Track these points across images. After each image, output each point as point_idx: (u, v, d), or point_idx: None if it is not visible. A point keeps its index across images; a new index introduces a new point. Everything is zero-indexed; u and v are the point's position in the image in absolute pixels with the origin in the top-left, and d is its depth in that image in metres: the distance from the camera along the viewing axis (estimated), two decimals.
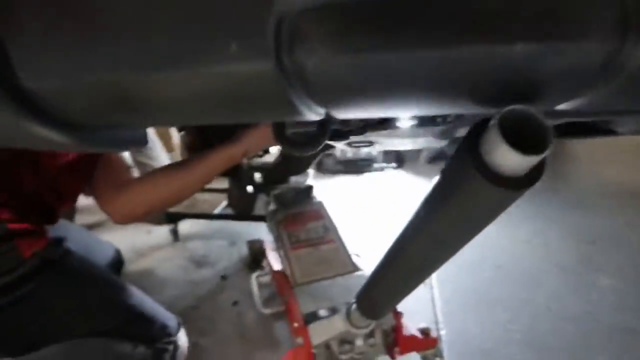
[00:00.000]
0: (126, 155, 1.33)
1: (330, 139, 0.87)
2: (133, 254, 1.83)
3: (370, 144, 0.89)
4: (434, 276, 1.48)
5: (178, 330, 1.17)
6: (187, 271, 1.68)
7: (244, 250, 1.75)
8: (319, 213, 1.41)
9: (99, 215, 2.16)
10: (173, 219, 1.84)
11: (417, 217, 0.53)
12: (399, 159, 2.36)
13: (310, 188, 1.50)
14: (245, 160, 1.56)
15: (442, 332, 1.23)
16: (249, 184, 1.47)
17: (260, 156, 1.52)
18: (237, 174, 1.43)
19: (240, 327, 1.37)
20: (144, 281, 1.64)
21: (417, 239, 0.56)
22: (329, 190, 2.16)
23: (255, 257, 1.65)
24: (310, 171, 1.49)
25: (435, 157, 2.33)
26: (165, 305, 1.35)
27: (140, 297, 1.16)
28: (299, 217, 1.42)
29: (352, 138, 0.83)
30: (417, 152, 2.38)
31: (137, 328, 1.09)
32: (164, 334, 1.13)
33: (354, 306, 0.92)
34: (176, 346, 1.14)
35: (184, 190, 1.23)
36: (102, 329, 1.05)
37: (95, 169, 1.25)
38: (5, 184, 1.05)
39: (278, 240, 1.35)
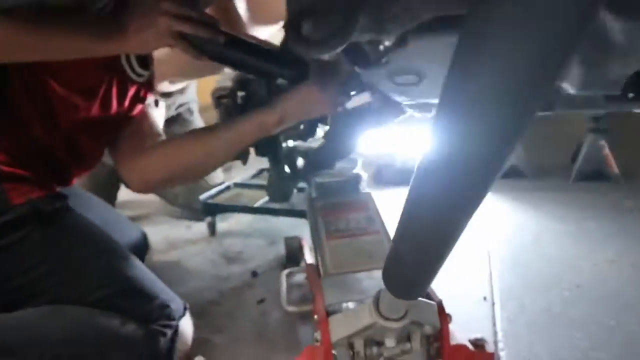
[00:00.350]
0: (158, 123, 1.22)
1: (360, 65, 0.69)
2: (165, 245, 1.71)
3: (418, 79, 0.69)
4: (496, 292, 1.22)
5: (182, 314, 1.00)
6: (216, 266, 1.52)
7: (282, 249, 1.58)
8: (365, 204, 1.22)
9: (139, 210, 2.08)
10: (211, 211, 1.71)
11: None
12: None
13: (357, 177, 1.31)
14: (288, 143, 1.40)
15: (502, 353, 0.97)
16: (290, 167, 1.30)
17: (304, 140, 1.35)
18: (277, 154, 1.27)
19: (261, 327, 1.18)
20: (170, 271, 1.50)
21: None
22: (386, 203, 1.94)
23: (292, 254, 1.47)
24: (364, 174, 1.31)
25: (506, 174, 2.06)
26: (184, 297, 1.21)
27: (142, 271, 1.01)
28: (340, 207, 1.23)
29: (391, 61, 0.64)
30: None
31: (131, 302, 0.93)
32: (163, 315, 0.96)
33: (382, 291, 0.70)
34: (176, 332, 0.97)
35: (209, 159, 1.08)
36: (89, 298, 0.90)
37: (119, 132, 1.14)
38: (9, 128, 0.96)
39: (314, 229, 1.16)
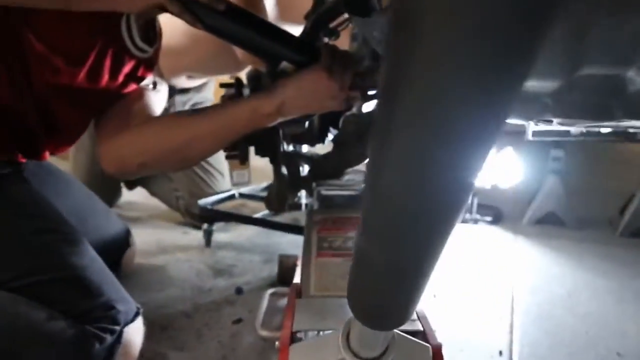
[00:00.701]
0: (153, 108, 1.09)
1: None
2: (155, 248, 1.57)
3: None
4: (516, 346, 1.00)
5: (131, 320, 0.84)
6: (201, 276, 1.36)
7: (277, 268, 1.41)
8: None
9: (140, 212, 1.97)
10: (208, 218, 1.56)
11: None
12: (497, 213, 1.89)
13: None
14: (293, 147, 1.25)
15: None
16: (291, 173, 1.15)
17: (312, 144, 1.20)
18: (276, 157, 1.12)
19: (228, 350, 1.00)
20: (149, 275, 1.35)
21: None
22: None
23: (285, 273, 1.30)
24: None
25: (542, 219, 1.83)
26: (156, 305, 1.05)
27: (93, 262, 0.85)
28: (341, 223, 1.06)
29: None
30: (520, 209, 1.90)
31: (66, 294, 0.78)
32: (105, 317, 0.80)
33: (352, 318, 0.53)
34: (119, 339, 0.81)
35: (193, 144, 0.93)
36: (16, 282, 0.75)
37: (105, 108, 1.02)
38: None
39: (305, 244, 1.00)
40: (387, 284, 0.40)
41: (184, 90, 1.78)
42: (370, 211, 0.35)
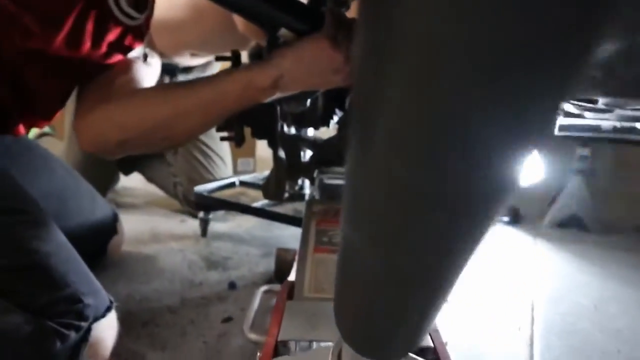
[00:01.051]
0: (142, 82, 0.99)
1: None
2: (148, 236, 1.47)
3: None
4: None
5: (101, 315, 0.74)
6: (193, 268, 1.26)
7: None
8: None
9: (137, 198, 1.88)
10: (204, 206, 1.46)
11: None
12: (515, 213, 1.76)
13: None
14: (292, 130, 1.14)
15: None
16: (290, 158, 1.04)
17: (317, 127, 1.09)
18: (274, 139, 1.02)
19: (212, 352, 0.90)
20: (136, 265, 1.26)
21: None
22: None
23: (282, 269, 1.19)
24: None
25: (564, 222, 1.70)
26: (140, 298, 0.95)
27: (59, 248, 0.75)
28: None
29: None
30: (540, 210, 1.77)
31: (24, 284, 0.68)
32: (70, 312, 0.69)
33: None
34: (86, 337, 0.71)
35: (178, 120, 0.82)
36: None
37: (85, 79, 0.91)
38: None
39: (303, 237, 0.90)
40: (385, 296, 0.29)
41: (188, 69, 1.68)
42: (359, 182, 0.24)
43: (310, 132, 1.20)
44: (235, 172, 1.97)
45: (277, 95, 0.80)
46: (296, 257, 1.15)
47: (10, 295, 0.67)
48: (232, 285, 1.17)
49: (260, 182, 1.65)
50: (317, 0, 0.88)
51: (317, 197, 1.03)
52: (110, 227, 1.19)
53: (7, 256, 0.69)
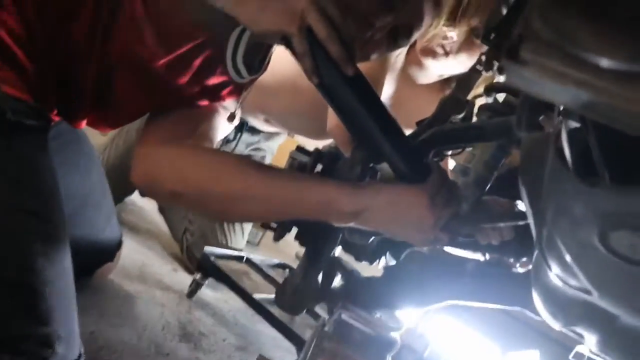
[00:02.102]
0: (217, 134, 0.95)
1: None
2: (136, 273, 1.37)
3: None
4: None
5: None
6: (166, 332, 1.15)
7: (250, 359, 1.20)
8: None
9: (139, 220, 1.80)
10: (204, 269, 1.37)
11: None
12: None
13: (390, 343, 0.95)
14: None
15: None
16: (325, 282, 0.96)
17: (361, 260, 1.03)
18: (319, 253, 0.95)
19: None
20: (115, 301, 1.16)
21: None
22: None
23: None
24: (399, 343, 0.96)
25: None
26: (102, 343, 0.86)
27: (57, 275, 0.66)
28: None
29: None
30: None
31: (3, 302, 0.60)
32: (33, 354, 0.60)
33: None
34: None
35: (243, 200, 0.74)
36: None
37: (165, 107, 0.88)
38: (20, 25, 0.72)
39: None
40: None
41: (254, 131, 1.66)
42: None
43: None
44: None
45: (352, 225, 0.75)
46: None
47: None
48: None
49: (267, 270, 1.57)
50: (424, 147, 0.86)
51: (327, 329, 0.94)
52: (110, 253, 1.12)
53: (6, 267, 0.61)
